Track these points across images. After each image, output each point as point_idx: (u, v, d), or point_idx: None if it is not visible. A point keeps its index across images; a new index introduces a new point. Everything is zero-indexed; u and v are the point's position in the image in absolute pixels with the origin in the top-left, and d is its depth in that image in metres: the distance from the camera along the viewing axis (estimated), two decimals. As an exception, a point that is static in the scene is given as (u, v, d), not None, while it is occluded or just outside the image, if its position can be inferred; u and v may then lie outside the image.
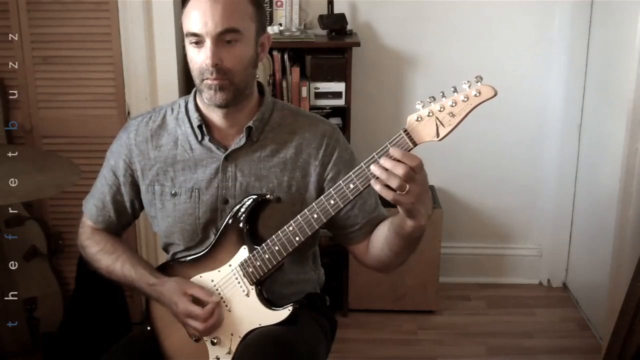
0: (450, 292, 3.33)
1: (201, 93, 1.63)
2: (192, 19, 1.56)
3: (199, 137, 1.69)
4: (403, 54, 3.21)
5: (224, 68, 1.57)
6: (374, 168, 1.41)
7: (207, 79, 1.58)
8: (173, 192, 1.71)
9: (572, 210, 3.33)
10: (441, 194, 3.28)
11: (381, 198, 1.48)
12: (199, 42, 1.56)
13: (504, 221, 3.43)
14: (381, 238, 1.62)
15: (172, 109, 1.75)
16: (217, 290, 1.67)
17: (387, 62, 3.22)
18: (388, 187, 1.40)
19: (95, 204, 1.81)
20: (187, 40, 1.59)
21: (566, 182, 3.30)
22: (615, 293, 2.60)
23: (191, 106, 1.71)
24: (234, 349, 1.64)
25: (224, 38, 1.55)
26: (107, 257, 1.78)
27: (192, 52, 1.59)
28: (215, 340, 1.67)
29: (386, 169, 1.39)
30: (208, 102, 1.62)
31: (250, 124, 1.67)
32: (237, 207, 1.65)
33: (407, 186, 1.39)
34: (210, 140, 1.68)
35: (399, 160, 1.39)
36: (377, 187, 1.40)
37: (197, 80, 1.61)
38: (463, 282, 3.42)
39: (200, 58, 1.57)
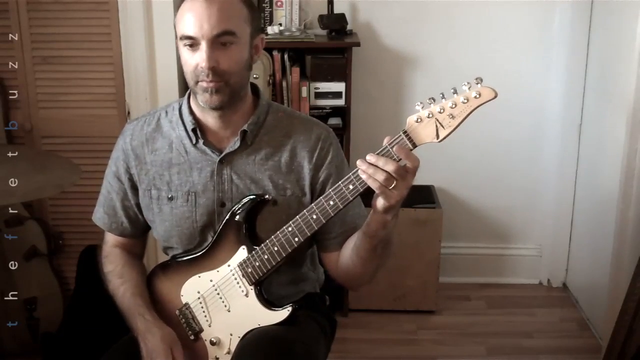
0: (450, 292, 3.32)
1: (195, 95, 1.62)
2: (187, 21, 1.56)
3: (194, 140, 1.69)
4: (403, 54, 3.21)
5: (220, 70, 1.56)
6: (359, 162, 1.42)
7: (202, 81, 1.57)
8: (170, 195, 1.71)
9: (572, 210, 3.33)
10: (441, 194, 3.28)
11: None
12: (193, 44, 1.56)
13: (504, 221, 3.43)
14: (350, 244, 1.63)
15: (167, 112, 1.75)
16: (215, 290, 1.67)
17: (387, 62, 3.22)
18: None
19: (106, 212, 1.81)
20: (180, 43, 1.60)
21: (566, 182, 3.30)
22: (615, 293, 2.60)
23: (185, 109, 1.71)
24: (233, 349, 1.64)
25: (219, 40, 1.56)
26: (115, 279, 1.78)
27: (185, 54, 1.59)
28: (214, 340, 1.67)
29: (373, 165, 1.40)
30: (203, 104, 1.61)
31: (245, 127, 1.66)
32: (236, 207, 1.65)
33: (395, 182, 1.40)
34: (204, 144, 1.68)
35: (394, 159, 1.40)
36: (364, 176, 1.41)
37: (191, 82, 1.61)
38: (463, 282, 3.41)
39: (194, 61, 1.57)
